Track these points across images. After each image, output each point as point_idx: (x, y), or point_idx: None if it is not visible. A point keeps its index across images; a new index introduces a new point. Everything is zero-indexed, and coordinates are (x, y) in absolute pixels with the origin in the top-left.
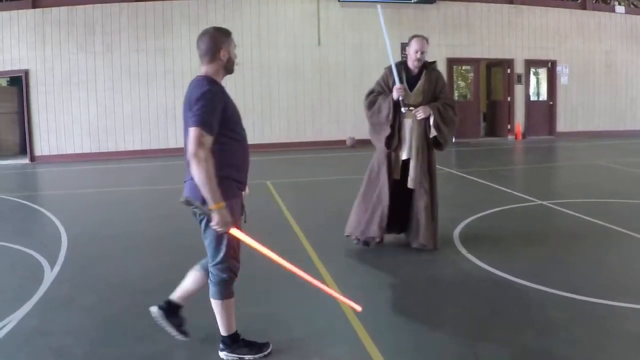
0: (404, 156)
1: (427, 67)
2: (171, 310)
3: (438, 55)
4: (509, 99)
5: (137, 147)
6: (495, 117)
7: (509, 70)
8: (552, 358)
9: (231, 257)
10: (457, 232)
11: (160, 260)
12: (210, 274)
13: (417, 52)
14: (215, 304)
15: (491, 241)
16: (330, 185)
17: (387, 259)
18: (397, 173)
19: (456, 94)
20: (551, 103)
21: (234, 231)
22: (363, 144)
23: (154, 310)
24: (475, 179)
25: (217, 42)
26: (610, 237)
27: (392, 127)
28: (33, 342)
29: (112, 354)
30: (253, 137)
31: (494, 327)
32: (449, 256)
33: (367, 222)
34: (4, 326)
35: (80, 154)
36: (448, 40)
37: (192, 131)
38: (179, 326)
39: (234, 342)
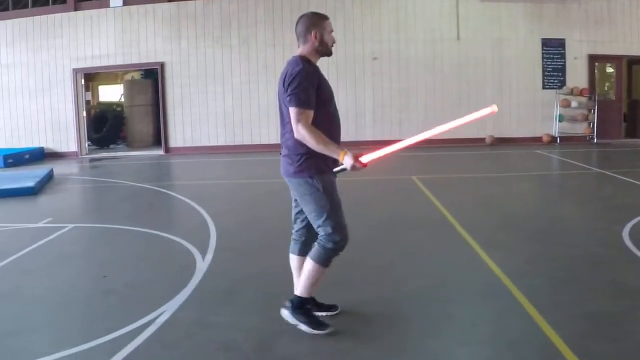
0: None
1: None
2: (301, 307)
3: (579, 51)
4: None
5: (273, 141)
6: (636, 118)
7: None
8: None
9: (335, 226)
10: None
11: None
12: (319, 239)
13: None
14: (311, 265)
15: None
16: (477, 182)
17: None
18: None
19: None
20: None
21: (366, 158)
22: (503, 142)
23: (284, 313)
24: (631, 180)
25: (309, 24)
26: None
27: None
28: (195, 335)
29: (285, 353)
30: (390, 132)
31: None
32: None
33: None
34: (159, 315)
35: (214, 147)
36: (590, 36)
37: (293, 111)
38: (314, 318)
39: (301, 306)
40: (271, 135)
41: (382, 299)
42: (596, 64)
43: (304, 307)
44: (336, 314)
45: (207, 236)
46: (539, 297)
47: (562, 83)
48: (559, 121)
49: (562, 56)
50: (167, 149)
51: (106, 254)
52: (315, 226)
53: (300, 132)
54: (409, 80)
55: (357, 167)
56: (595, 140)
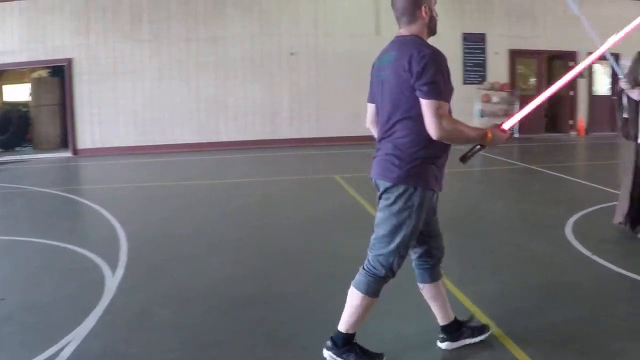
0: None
1: None
2: (344, 344)
3: (500, 46)
4: (571, 93)
5: (187, 141)
6: (557, 113)
7: (571, 64)
8: None
9: (399, 255)
10: (568, 230)
11: (247, 265)
12: (366, 263)
13: None
14: (355, 296)
15: (613, 241)
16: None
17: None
18: None
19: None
20: (615, 98)
21: (506, 125)
22: None
23: (327, 354)
24: (559, 174)
25: None
26: None
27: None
28: None
29: None
30: (308, 130)
31: None
32: (573, 259)
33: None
34: (64, 347)
35: (125, 147)
36: (511, 31)
37: (431, 105)
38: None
39: (346, 343)
40: (185, 134)
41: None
42: (517, 58)
43: (350, 343)
44: None
45: (117, 248)
46: (494, 307)
47: (483, 78)
48: (480, 117)
49: (483, 51)
50: (76, 151)
51: (2, 272)
52: (375, 237)
53: (446, 129)
54: (327, 76)
55: (504, 138)
56: (517, 135)
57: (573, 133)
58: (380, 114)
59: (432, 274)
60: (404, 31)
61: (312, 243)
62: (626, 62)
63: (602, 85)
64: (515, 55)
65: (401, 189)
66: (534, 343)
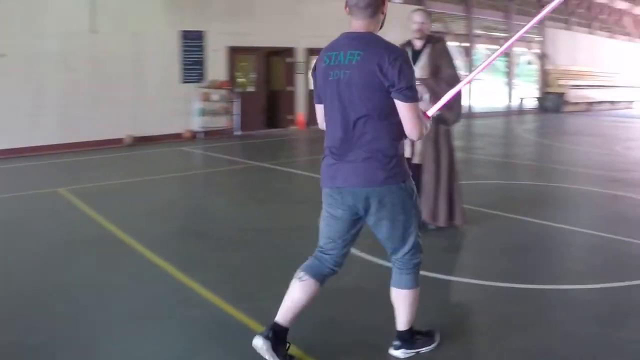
0: None
1: (431, 40)
2: (278, 338)
3: (219, 44)
4: (289, 88)
5: None
6: (275, 108)
7: (289, 60)
8: None
9: (419, 235)
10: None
11: None
12: (400, 265)
13: (415, 23)
14: (408, 295)
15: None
16: (136, 187)
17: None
18: (417, 156)
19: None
20: None
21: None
22: (142, 141)
23: (259, 342)
24: (295, 170)
25: None
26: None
27: None
28: None
29: None
30: (19, 140)
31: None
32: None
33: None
34: None
35: None
36: (230, 28)
37: (411, 108)
38: (285, 357)
39: (412, 336)
40: None
41: None
42: (237, 56)
43: (414, 333)
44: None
45: None
46: (262, 315)
47: (202, 76)
48: (200, 116)
49: (202, 49)
50: None
51: None
52: (394, 243)
53: (421, 130)
54: (40, 79)
55: (429, 125)
56: (239, 133)
57: (293, 127)
58: (336, 116)
59: (315, 271)
60: (361, 25)
61: (53, 278)
62: None
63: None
64: (235, 53)
65: (393, 188)
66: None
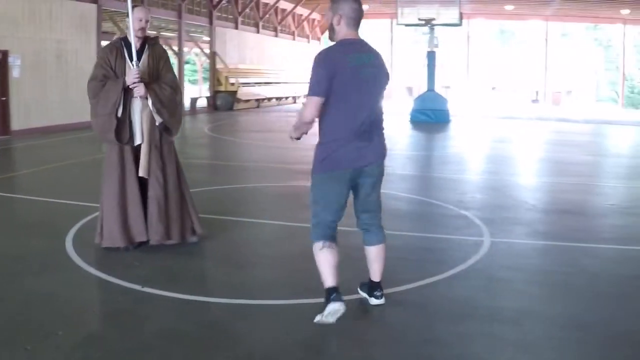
0: (137, 141)
1: (150, 41)
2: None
3: None
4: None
5: None
6: None
7: None
8: None
9: None
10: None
11: None
12: (378, 222)
13: (140, 21)
14: (384, 248)
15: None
16: None
17: None
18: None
19: None
20: (4, 99)
21: None
22: None
23: (342, 306)
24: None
25: None
26: None
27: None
28: None
29: None
30: None
31: None
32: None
33: (127, 225)
34: None
35: None
36: None
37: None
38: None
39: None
40: None
41: None
42: None
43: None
44: None
45: None
46: None
47: None
48: None
49: None
50: None
51: None
52: (378, 205)
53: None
54: None
55: None
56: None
57: None
58: (365, 106)
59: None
60: (355, 34)
61: None
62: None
63: None
64: None
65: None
66: None
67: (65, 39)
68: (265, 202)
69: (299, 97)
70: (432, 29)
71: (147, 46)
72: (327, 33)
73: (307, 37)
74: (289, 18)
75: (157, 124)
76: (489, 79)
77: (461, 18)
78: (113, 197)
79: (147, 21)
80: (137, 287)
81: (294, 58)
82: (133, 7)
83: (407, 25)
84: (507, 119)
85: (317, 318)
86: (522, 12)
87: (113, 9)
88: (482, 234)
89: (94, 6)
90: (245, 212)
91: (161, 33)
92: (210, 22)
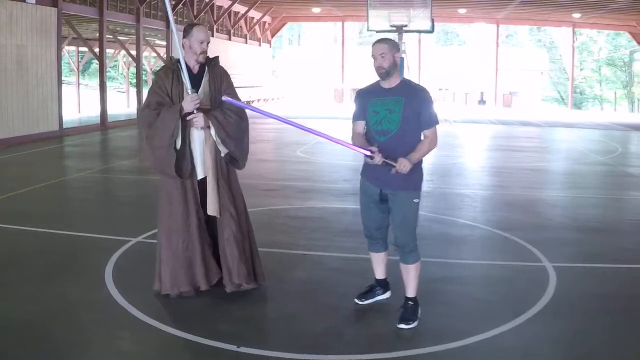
0: (199, 175)
1: (209, 62)
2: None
3: None
4: None
5: None
6: None
7: None
8: None
9: None
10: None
11: None
12: (406, 246)
13: (202, 43)
14: (415, 267)
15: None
16: None
17: None
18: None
19: None
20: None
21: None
22: None
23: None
24: None
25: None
26: None
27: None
28: None
29: None
30: None
31: None
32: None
33: (193, 269)
34: None
35: None
36: None
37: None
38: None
39: (417, 302)
40: None
41: None
42: None
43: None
44: None
45: None
46: None
47: None
48: None
49: None
50: None
51: None
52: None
53: None
54: None
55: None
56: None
57: None
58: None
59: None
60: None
61: None
62: None
63: None
64: None
65: None
66: None
67: (26, 44)
68: (285, 225)
69: (252, 101)
70: (400, 35)
71: (206, 69)
72: (277, 36)
73: (259, 40)
74: (242, 21)
75: (222, 155)
76: (438, 80)
77: (433, 24)
78: (177, 237)
79: (208, 43)
80: (233, 347)
81: (246, 61)
82: (191, 25)
83: (377, 31)
84: (470, 122)
85: None
86: (473, 15)
87: (72, 13)
88: (539, 259)
89: (54, 10)
90: (276, 241)
91: (118, 37)
92: (167, 26)
